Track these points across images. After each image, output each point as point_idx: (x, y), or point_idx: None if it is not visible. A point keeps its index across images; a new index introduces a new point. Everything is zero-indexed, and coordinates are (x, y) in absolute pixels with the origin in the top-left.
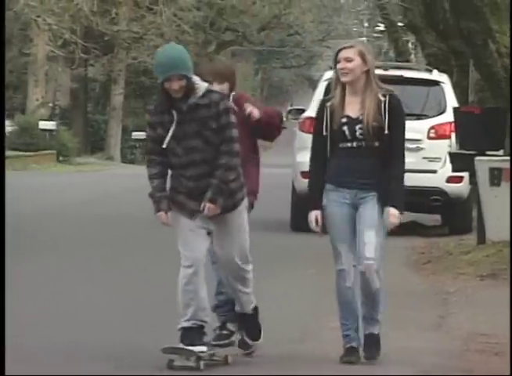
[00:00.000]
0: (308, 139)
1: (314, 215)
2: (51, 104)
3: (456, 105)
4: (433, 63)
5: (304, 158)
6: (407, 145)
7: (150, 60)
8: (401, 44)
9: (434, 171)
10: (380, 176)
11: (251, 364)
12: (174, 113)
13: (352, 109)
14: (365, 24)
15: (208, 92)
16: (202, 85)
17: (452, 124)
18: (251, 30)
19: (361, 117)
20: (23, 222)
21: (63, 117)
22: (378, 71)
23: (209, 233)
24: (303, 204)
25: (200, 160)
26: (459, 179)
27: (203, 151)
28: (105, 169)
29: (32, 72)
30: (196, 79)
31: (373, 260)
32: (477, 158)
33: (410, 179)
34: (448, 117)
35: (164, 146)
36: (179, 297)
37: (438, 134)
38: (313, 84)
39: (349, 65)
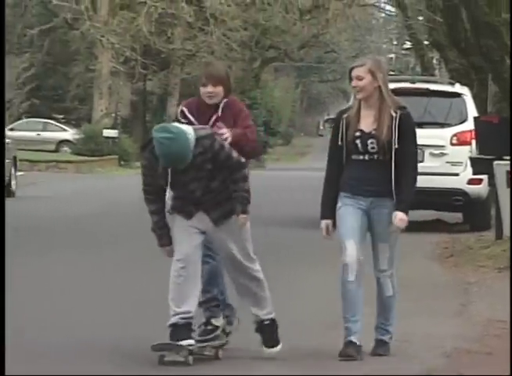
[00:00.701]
0: None
1: (325, 224)
2: (113, 114)
3: (476, 115)
4: (455, 77)
5: None
6: (432, 150)
7: None
8: (426, 60)
9: (457, 174)
10: (391, 187)
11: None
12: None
13: (366, 123)
14: (394, 42)
15: (198, 140)
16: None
17: (473, 132)
18: (292, 48)
19: (373, 132)
20: (88, 220)
21: (124, 125)
22: (406, 84)
23: (203, 233)
24: None
25: (204, 186)
26: (479, 181)
27: (201, 179)
28: None
29: (97, 86)
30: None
31: (388, 271)
32: (496, 162)
33: (435, 181)
34: (469, 125)
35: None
36: (169, 291)
37: (460, 141)
38: (347, 97)
39: (360, 83)
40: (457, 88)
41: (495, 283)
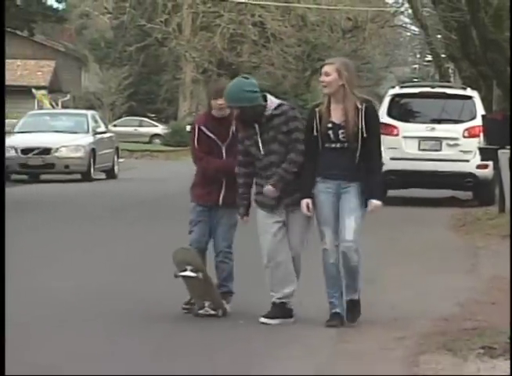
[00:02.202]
0: None
1: (305, 203)
2: (194, 113)
3: (484, 113)
4: (467, 83)
5: None
6: (448, 142)
7: (265, 82)
8: (443, 69)
9: (468, 161)
10: (359, 170)
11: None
12: (256, 126)
13: (336, 116)
14: (418, 55)
15: (280, 105)
16: (274, 101)
17: (481, 127)
18: None
19: (343, 124)
20: (177, 197)
21: None
22: (428, 89)
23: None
24: None
25: (278, 161)
26: (486, 166)
27: (280, 153)
28: None
29: (181, 91)
30: (269, 98)
31: (352, 242)
32: (500, 151)
33: (450, 166)
34: (478, 121)
35: (262, 152)
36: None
37: (470, 134)
38: (380, 99)
39: (326, 79)
40: (468, 91)
41: (500, 248)
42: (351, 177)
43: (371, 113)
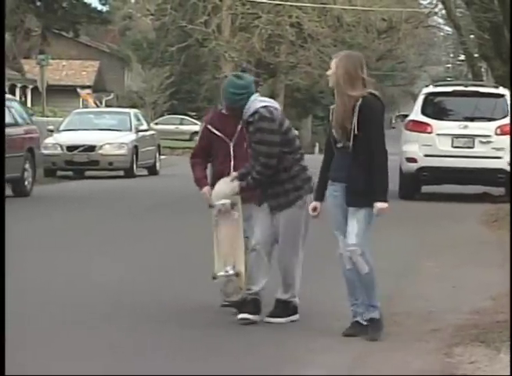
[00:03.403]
0: (410, 135)
1: (314, 205)
2: None
3: None
4: (499, 82)
5: (407, 148)
6: (481, 139)
7: (302, 82)
8: (476, 69)
9: (500, 157)
10: (358, 170)
11: None
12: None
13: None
14: (451, 55)
15: (256, 112)
16: (253, 107)
17: None
18: (371, 60)
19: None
20: None
21: None
22: (461, 88)
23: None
24: (407, 180)
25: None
26: None
27: (252, 158)
28: None
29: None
30: (251, 100)
31: (355, 246)
32: None
33: (483, 163)
34: (510, 119)
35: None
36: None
37: (502, 131)
38: (414, 97)
39: (328, 72)
40: (501, 90)
41: None
42: (352, 178)
43: (367, 108)
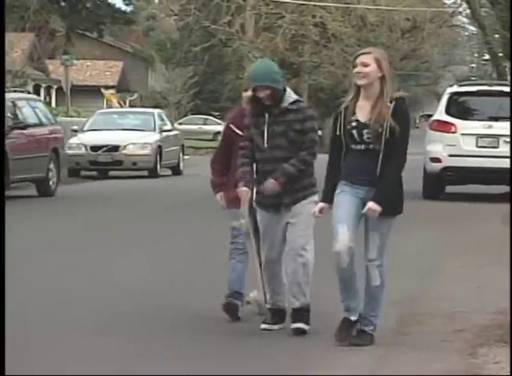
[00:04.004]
0: (434, 134)
1: (320, 206)
2: None
3: None
4: None
5: (432, 148)
6: (506, 139)
7: (326, 81)
8: (501, 68)
9: None
10: (390, 177)
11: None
12: (266, 115)
13: (362, 113)
14: (475, 55)
15: (297, 101)
16: (292, 96)
17: None
18: (395, 59)
19: (369, 122)
20: None
21: None
22: (485, 87)
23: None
24: (431, 179)
25: (281, 157)
26: None
27: (286, 150)
28: None
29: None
30: (288, 90)
31: (375, 260)
32: None
33: (508, 163)
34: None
35: (265, 144)
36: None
37: None
38: (438, 97)
39: (365, 69)
40: None
41: None
42: (376, 183)
43: (399, 111)
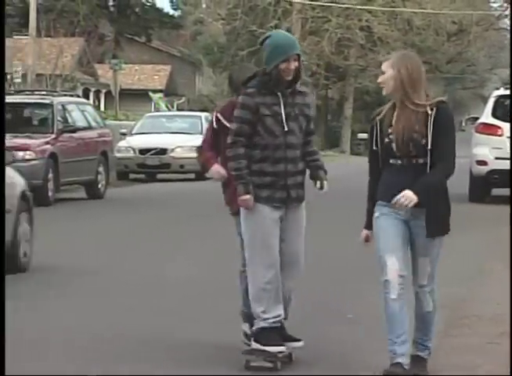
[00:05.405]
0: (480, 137)
1: (364, 234)
2: None
3: None
4: None
5: (478, 151)
6: None
7: (372, 85)
8: None
9: None
10: (440, 193)
11: None
12: (280, 95)
13: None
14: None
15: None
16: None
17: None
18: (441, 62)
19: (391, 135)
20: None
21: None
22: None
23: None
24: (477, 182)
25: (296, 144)
26: None
27: (298, 136)
28: (339, 159)
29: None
30: None
31: (426, 286)
32: None
33: None
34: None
35: (285, 128)
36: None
37: None
38: (485, 100)
39: (381, 78)
40: None
41: None
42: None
43: (441, 118)
